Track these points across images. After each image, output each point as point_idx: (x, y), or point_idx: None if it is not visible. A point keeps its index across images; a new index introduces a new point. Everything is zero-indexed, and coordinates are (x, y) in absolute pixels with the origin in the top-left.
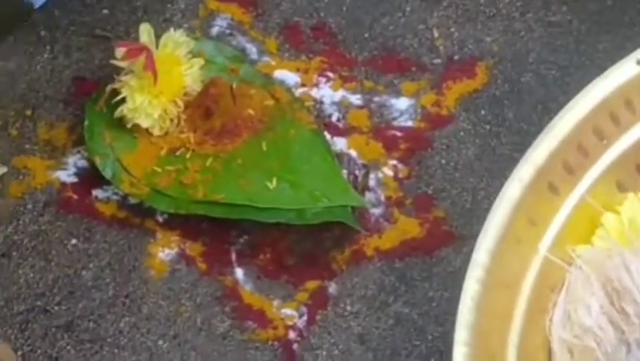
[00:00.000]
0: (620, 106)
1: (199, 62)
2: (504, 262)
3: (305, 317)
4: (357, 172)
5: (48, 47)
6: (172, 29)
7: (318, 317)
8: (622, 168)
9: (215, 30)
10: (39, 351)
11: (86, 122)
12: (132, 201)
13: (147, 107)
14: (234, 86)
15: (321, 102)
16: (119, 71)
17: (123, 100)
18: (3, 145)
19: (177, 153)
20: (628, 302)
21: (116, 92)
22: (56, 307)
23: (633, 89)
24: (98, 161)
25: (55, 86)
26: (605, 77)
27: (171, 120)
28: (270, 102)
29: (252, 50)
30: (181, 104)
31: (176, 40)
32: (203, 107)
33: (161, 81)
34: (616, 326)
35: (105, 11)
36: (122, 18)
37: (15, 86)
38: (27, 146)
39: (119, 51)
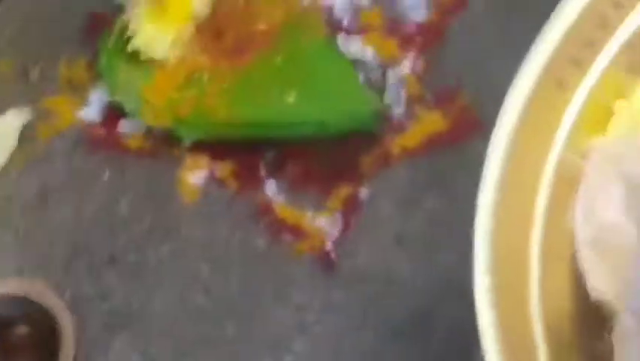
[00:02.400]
0: None
1: None
2: (519, 164)
3: (339, 224)
4: (374, 74)
5: None
6: None
7: (352, 223)
8: (632, 51)
9: None
10: (85, 289)
11: (102, 60)
12: (157, 131)
13: (159, 36)
14: (242, 1)
15: (331, 8)
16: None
17: (135, 32)
18: (25, 90)
19: (194, 78)
20: None
21: (127, 26)
22: (97, 244)
23: None
24: (118, 97)
25: (69, 24)
26: None
27: (184, 46)
28: (281, 15)
29: None
30: (192, 28)
31: None
32: (213, 28)
33: (169, 8)
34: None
35: None
36: None
37: (28, 29)
38: (49, 87)
39: None
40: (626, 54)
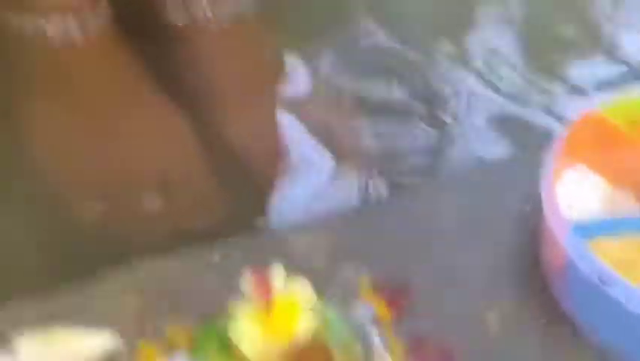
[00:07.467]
0: None
1: (314, 319)
2: None
3: None
4: None
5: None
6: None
7: None
8: None
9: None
10: None
11: (200, 331)
12: None
13: (254, 338)
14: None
15: None
16: None
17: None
18: (124, 327)
19: None
20: None
21: (232, 314)
22: None
23: None
24: None
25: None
26: None
27: (269, 359)
28: None
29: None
30: (284, 347)
31: (301, 290)
32: (296, 356)
33: (276, 323)
34: None
35: None
36: None
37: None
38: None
39: (247, 278)
40: None
